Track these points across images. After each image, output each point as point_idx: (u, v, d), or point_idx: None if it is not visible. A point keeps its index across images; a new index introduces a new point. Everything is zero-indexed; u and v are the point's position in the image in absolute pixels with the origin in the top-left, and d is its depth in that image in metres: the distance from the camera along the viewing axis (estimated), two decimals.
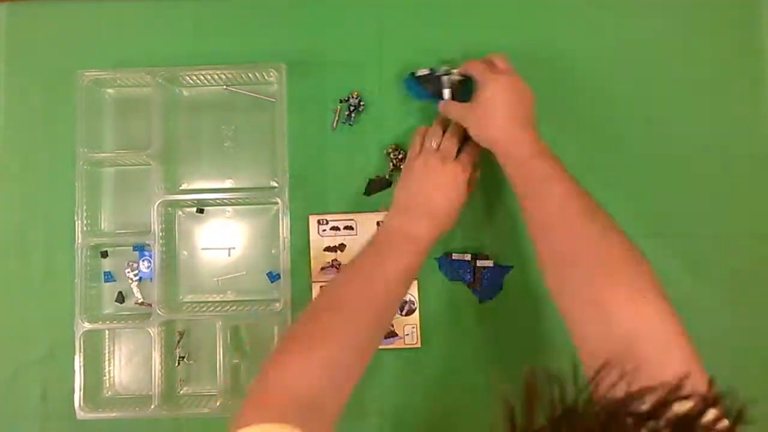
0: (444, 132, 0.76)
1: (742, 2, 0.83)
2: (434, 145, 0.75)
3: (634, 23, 0.84)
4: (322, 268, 0.81)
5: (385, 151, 0.82)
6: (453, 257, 0.80)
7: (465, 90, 0.78)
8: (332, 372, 0.60)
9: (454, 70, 0.79)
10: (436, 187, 0.72)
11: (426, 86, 0.80)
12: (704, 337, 0.81)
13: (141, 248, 0.83)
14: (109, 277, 0.83)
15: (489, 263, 0.79)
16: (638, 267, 0.60)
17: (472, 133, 0.73)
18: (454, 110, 0.76)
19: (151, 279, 0.81)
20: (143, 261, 0.83)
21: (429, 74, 0.80)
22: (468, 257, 0.80)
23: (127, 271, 0.83)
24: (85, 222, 0.79)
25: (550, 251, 0.64)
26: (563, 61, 0.83)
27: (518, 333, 0.80)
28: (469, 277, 0.80)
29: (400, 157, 0.81)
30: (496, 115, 0.70)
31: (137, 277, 0.83)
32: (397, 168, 0.82)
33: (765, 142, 0.82)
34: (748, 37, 0.83)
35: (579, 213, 0.64)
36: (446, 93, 0.79)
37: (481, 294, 0.80)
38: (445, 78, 0.79)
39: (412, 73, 0.81)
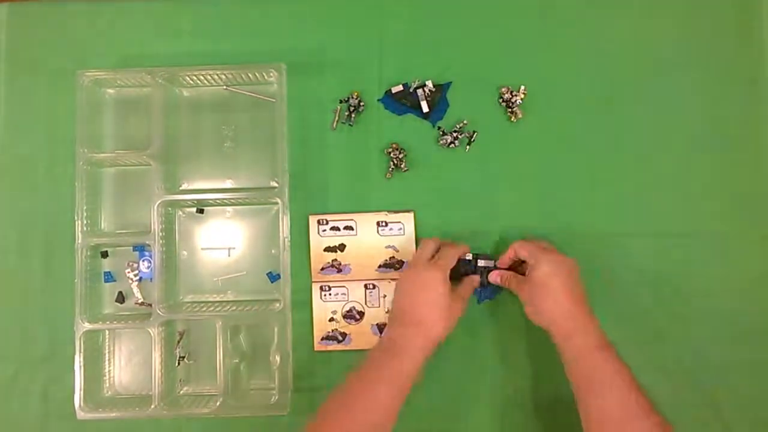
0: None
1: (742, 2, 0.83)
2: (426, 255, 0.75)
3: (635, 24, 0.84)
4: (322, 268, 0.81)
5: (385, 151, 0.82)
6: None
7: (441, 99, 0.82)
8: None
9: (428, 82, 0.81)
10: (416, 293, 0.72)
11: (403, 101, 0.82)
12: (704, 336, 0.81)
13: (141, 248, 0.83)
14: (109, 277, 0.83)
15: (490, 263, 0.79)
16: None
17: (527, 311, 0.73)
18: (512, 282, 0.75)
19: (151, 279, 0.81)
20: (143, 261, 0.83)
21: (403, 90, 0.82)
22: (469, 257, 0.80)
23: (127, 271, 0.83)
24: (85, 222, 0.79)
25: None
26: (564, 59, 0.83)
27: (518, 333, 0.80)
28: None
29: (400, 156, 0.81)
30: (556, 297, 0.70)
31: (137, 277, 0.83)
32: (397, 167, 0.82)
33: (765, 141, 0.82)
34: (748, 37, 0.83)
35: (638, 411, 0.65)
36: (424, 105, 0.81)
37: (481, 294, 0.80)
38: (419, 91, 0.81)
39: (388, 91, 0.82)
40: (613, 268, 0.81)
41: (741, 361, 0.79)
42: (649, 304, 0.80)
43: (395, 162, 0.82)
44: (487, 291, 0.80)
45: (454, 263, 0.75)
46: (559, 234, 0.80)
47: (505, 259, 0.77)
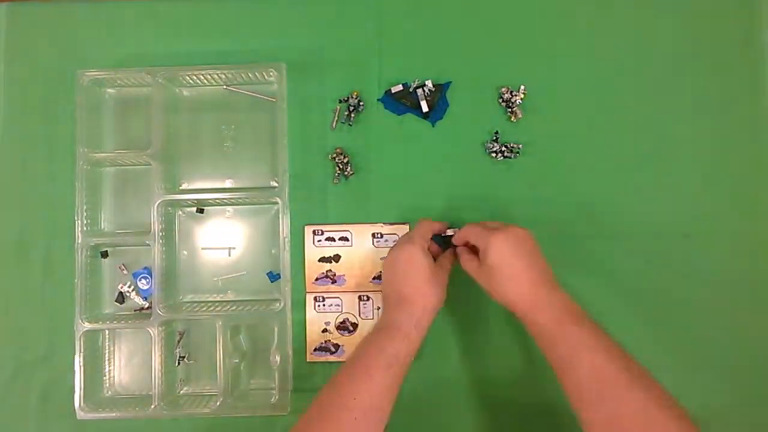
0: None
1: (743, 3, 0.83)
2: (407, 235, 0.74)
3: (635, 23, 0.84)
4: (317, 279, 0.81)
5: (329, 156, 0.82)
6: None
7: (441, 99, 0.82)
8: None
9: (428, 82, 0.81)
10: (397, 270, 0.72)
11: (403, 101, 0.82)
12: (703, 337, 0.81)
13: (137, 274, 0.83)
14: None
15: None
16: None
17: (488, 292, 0.70)
18: (469, 267, 0.72)
19: (150, 295, 0.81)
20: (141, 279, 0.83)
21: (403, 90, 0.82)
22: (450, 232, 0.77)
23: (119, 285, 0.83)
24: (85, 222, 0.79)
25: (591, 421, 0.61)
26: (564, 59, 0.83)
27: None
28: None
29: (345, 161, 0.81)
30: (511, 277, 0.67)
31: (131, 288, 0.83)
32: (342, 173, 0.81)
33: (765, 142, 0.82)
34: (748, 38, 0.83)
35: (615, 383, 0.61)
36: (424, 105, 0.81)
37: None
38: (419, 91, 0.81)
39: (387, 91, 0.82)
40: (612, 268, 0.81)
41: (742, 361, 0.79)
42: (648, 304, 0.80)
43: (341, 167, 0.81)
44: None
45: (429, 235, 0.74)
46: (558, 234, 0.80)
47: (458, 239, 0.75)
